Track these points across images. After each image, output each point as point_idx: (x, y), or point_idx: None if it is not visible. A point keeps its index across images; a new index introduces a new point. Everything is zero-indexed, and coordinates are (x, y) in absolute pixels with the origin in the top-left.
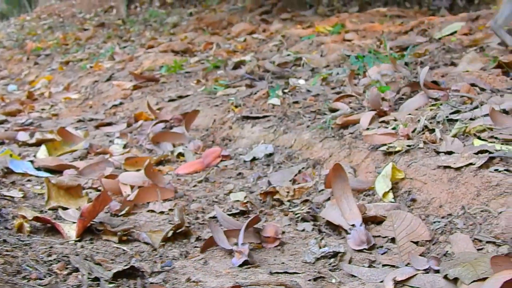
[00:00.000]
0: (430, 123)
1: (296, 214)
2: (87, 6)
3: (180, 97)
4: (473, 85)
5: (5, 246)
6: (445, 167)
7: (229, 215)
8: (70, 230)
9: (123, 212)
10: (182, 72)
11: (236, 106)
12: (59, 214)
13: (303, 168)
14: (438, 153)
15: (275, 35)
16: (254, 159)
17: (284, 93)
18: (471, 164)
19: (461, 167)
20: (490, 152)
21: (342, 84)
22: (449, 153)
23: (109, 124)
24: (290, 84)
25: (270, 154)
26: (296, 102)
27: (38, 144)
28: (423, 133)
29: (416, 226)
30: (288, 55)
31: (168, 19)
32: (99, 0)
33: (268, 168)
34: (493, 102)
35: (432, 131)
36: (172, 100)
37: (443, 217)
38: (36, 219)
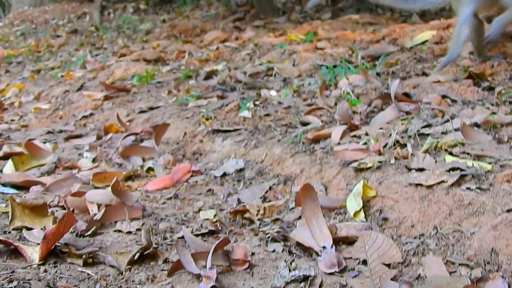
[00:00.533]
0: (402, 137)
1: (266, 233)
2: (60, 13)
3: (151, 108)
4: (444, 96)
5: None
6: (417, 184)
7: (198, 235)
8: (34, 253)
9: (90, 232)
10: (154, 82)
11: (207, 119)
12: (23, 234)
13: (273, 184)
14: (409, 169)
15: (248, 44)
16: (224, 174)
17: (255, 105)
18: (443, 181)
19: (433, 185)
20: (462, 170)
21: (313, 95)
22: (421, 170)
23: (79, 136)
24: (262, 95)
25: (241, 169)
26: (268, 115)
27: (5, 157)
28: (395, 148)
29: (388, 247)
30: (260, 64)
31: (141, 26)
32: (72, 7)
33: (239, 184)
34: (465, 115)
35: (403, 146)
36: (143, 111)
37: (415, 238)
38: None
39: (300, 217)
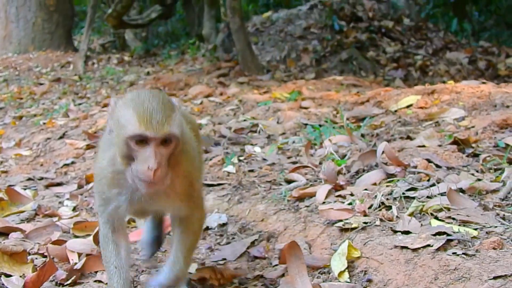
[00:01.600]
0: (387, 199)
1: None
2: (44, 61)
3: None
4: (429, 161)
5: None
6: (402, 247)
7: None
8: None
9: (69, 281)
10: None
11: None
12: (1, 281)
13: (256, 240)
14: (395, 232)
15: (232, 99)
16: (207, 228)
17: (239, 160)
18: (428, 245)
19: (419, 248)
20: (448, 234)
21: (298, 153)
22: (406, 232)
23: (60, 184)
24: (246, 151)
25: (224, 224)
26: (252, 171)
27: None
28: (380, 210)
29: None
30: (245, 120)
31: (125, 77)
32: (56, 55)
33: (221, 238)
34: (450, 180)
35: (389, 208)
36: None
37: None
38: None
39: (283, 275)
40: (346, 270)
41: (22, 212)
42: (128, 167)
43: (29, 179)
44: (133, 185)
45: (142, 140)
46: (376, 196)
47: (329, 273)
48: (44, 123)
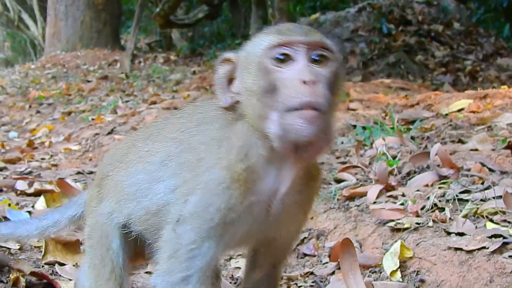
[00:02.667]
0: (440, 201)
1: (299, 286)
2: (91, 59)
3: None
4: (482, 164)
5: None
6: (456, 248)
7: (231, 282)
8: None
9: None
10: None
11: None
12: (55, 269)
13: (305, 238)
14: (448, 233)
15: None
16: None
17: None
18: (483, 248)
19: (473, 250)
20: (504, 237)
21: (347, 154)
22: (460, 234)
23: None
24: None
25: None
26: None
27: (36, 194)
28: (433, 211)
29: None
30: None
31: (171, 76)
32: (103, 54)
33: None
34: (505, 184)
35: (442, 209)
36: None
37: None
38: (33, 274)
39: (333, 272)
40: (398, 269)
41: None
42: (270, 112)
43: (79, 172)
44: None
45: (285, 57)
46: (428, 197)
47: (380, 272)
48: (92, 119)
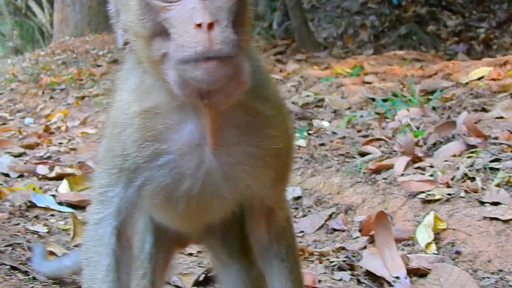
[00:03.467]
0: (470, 170)
1: (331, 262)
2: (100, 43)
3: None
4: (510, 132)
5: (36, 284)
6: (492, 218)
7: None
8: None
9: None
10: None
11: None
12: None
13: (333, 213)
14: (482, 203)
15: (292, 76)
16: None
17: (309, 134)
18: None
19: (510, 219)
20: None
21: (368, 127)
22: (495, 203)
23: None
24: (314, 125)
25: (299, 197)
26: (323, 144)
27: (58, 178)
28: (463, 181)
29: (465, 282)
30: (308, 96)
31: None
32: (112, 37)
33: (297, 211)
34: None
35: (472, 179)
36: None
37: (493, 273)
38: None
39: (365, 247)
40: (433, 242)
41: None
42: (163, 59)
43: None
44: (186, 125)
45: None
46: (458, 167)
47: (414, 245)
48: (107, 103)
